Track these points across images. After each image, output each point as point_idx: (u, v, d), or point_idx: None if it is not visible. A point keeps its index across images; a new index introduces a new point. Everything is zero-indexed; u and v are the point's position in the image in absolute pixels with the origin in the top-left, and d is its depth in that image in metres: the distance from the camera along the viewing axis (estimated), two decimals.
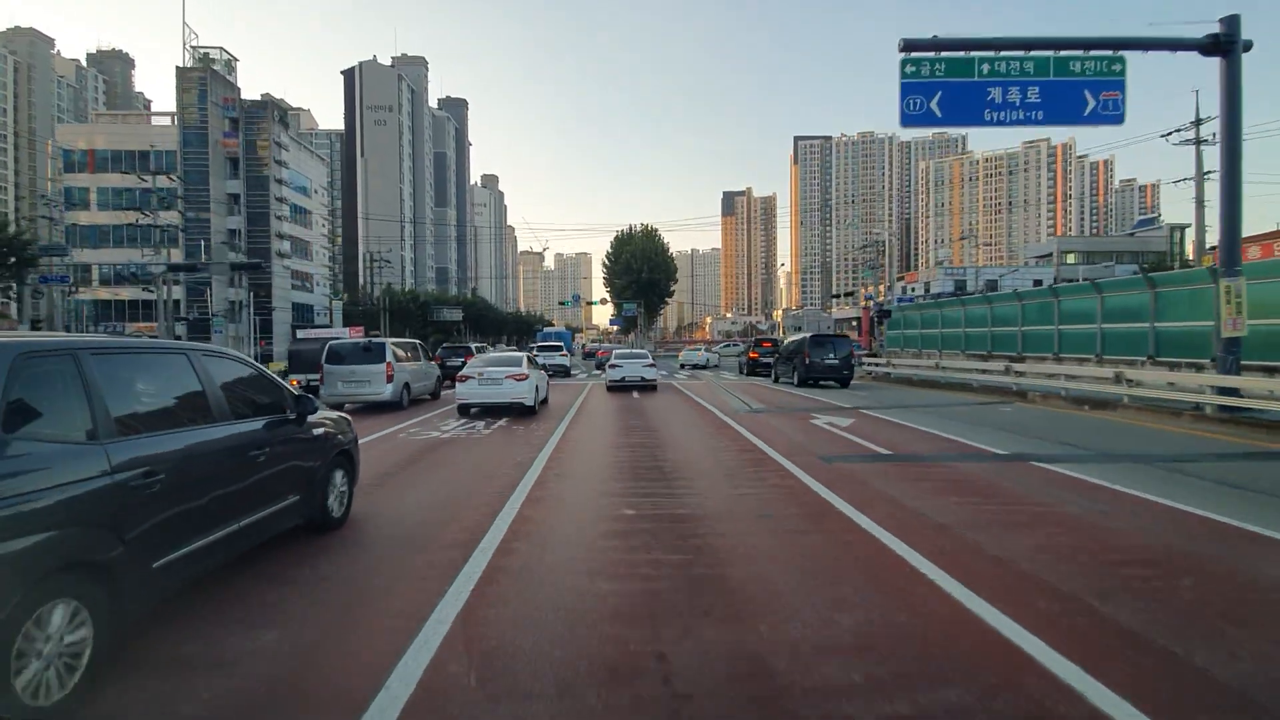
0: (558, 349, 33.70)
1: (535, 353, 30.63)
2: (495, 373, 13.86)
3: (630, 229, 69.00)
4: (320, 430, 5.15)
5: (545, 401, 16.77)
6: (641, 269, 63.42)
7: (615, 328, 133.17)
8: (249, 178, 65.04)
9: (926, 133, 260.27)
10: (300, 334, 63.94)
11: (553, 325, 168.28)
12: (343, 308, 70.24)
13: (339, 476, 5.38)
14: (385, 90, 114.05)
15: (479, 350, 30.75)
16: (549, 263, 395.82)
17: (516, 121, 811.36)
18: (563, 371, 31.22)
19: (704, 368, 38.60)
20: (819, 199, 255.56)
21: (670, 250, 66.22)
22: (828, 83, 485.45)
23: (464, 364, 16.76)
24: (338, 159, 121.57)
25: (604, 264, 75.85)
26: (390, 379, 15.31)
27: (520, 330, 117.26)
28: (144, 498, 3.12)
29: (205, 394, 3.86)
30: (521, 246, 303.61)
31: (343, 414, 6.01)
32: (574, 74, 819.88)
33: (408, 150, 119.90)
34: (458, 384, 13.94)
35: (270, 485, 4.31)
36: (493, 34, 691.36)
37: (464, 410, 13.94)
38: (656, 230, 67.58)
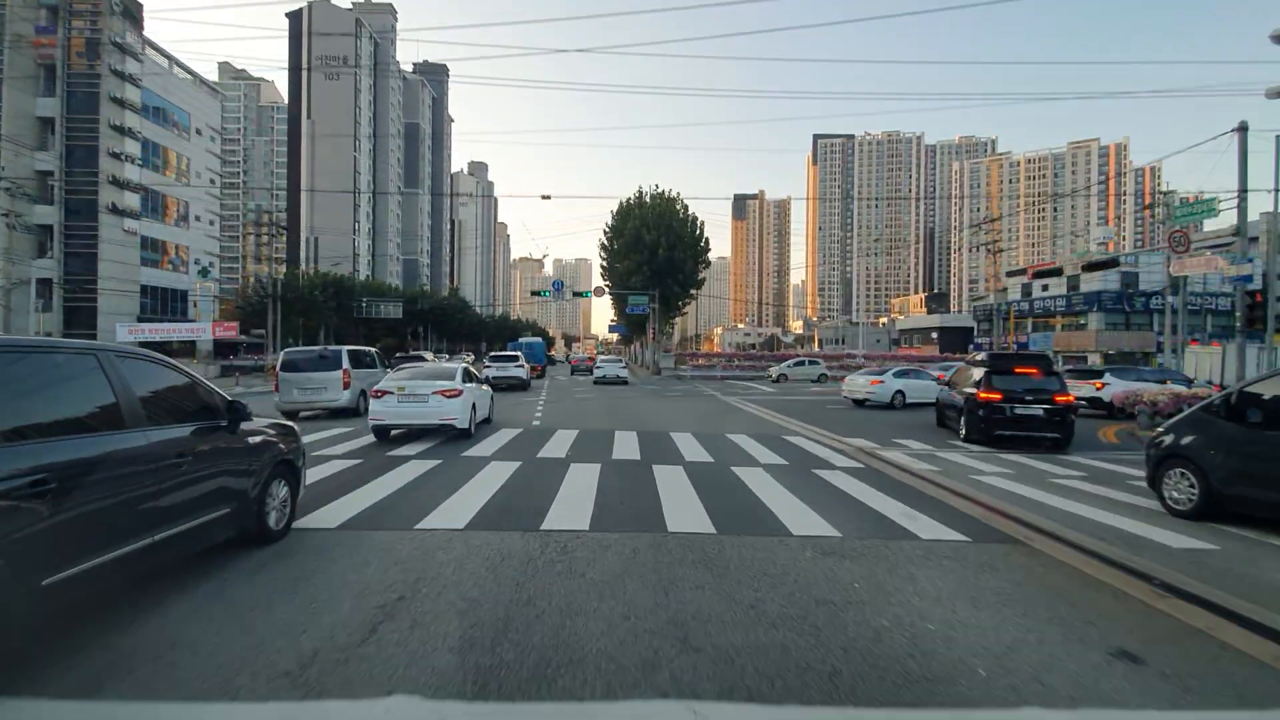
0: (513, 359, 28.39)
1: (488, 363, 28.08)
2: (420, 387, 11.46)
3: (639, 193, 47.37)
4: (257, 439, 4.93)
5: (489, 421, 14.07)
6: (657, 243, 41.79)
7: (616, 336, 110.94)
8: (73, 95, 43.54)
9: (953, 136, 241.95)
10: (125, 330, 42.09)
11: (544, 332, 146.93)
12: (215, 294, 48.80)
13: (279, 488, 5.17)
14: (340, 38, 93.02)
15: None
16: (548, 269, 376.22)
17: (510, 120, 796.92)
18: (519, 385, 26.39)
19: (898, 406, 19.16)
20: (840, 203, 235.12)
21: (699, 219, 44.68)
22: (846, 83, 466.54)
23: None
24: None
25: (601, 244, 54.69)
26: (347, 386, 15.10)
27: (505, 336, 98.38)
28: (30, 509, 2.92)
29: (116, 398, 3.63)
30: (519, 251, 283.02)
31: (287, 422, 5.74)
32: (572, 71, 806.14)
33: (367, 114, 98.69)
34: (372, 400, 11.51)
35: (194, 496, 4.08)
36: (483, 22, 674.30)
37: (381, 433, 11.55)
38: (678, 195, 46.07)
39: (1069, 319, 48.03)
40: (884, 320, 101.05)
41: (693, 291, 45.44)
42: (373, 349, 19.16)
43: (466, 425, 11.82)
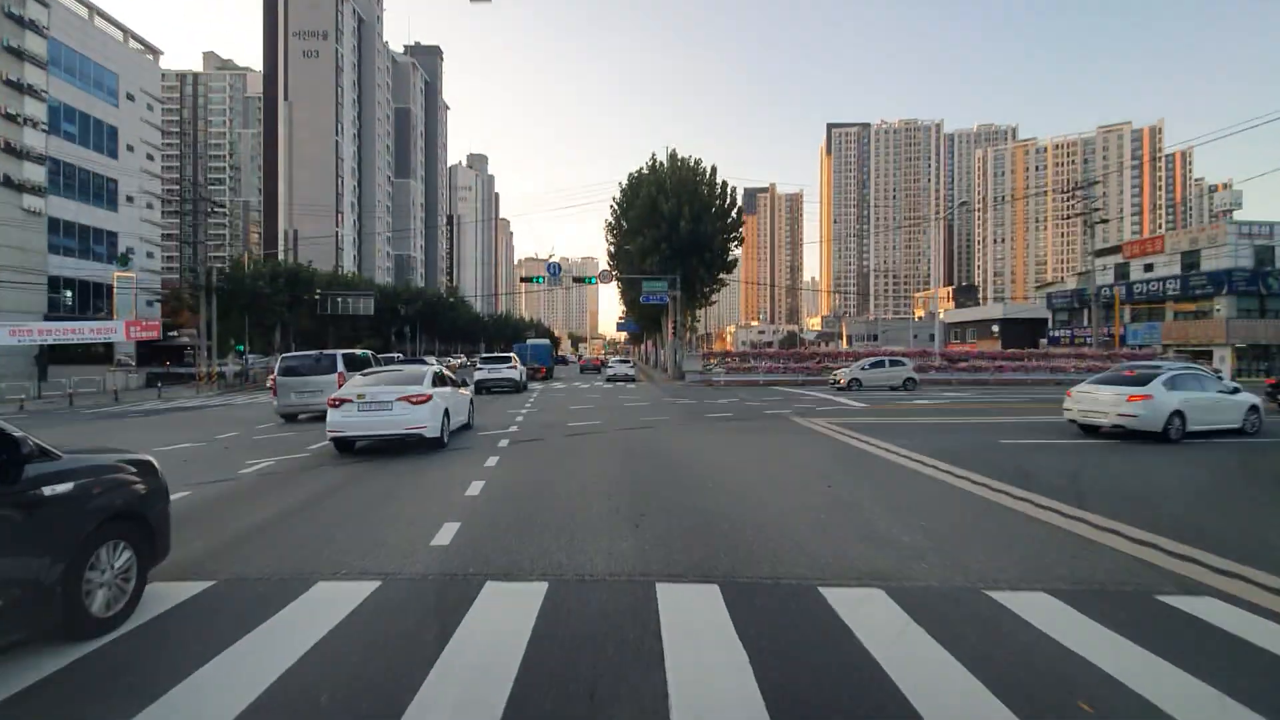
0: (505, 360, 26.79)
1: (479, 365, 26.84)
2: (383, 394, 10.23)
3: (653, 161, 38.59)
4: (63, 487, 3.40)
5: (469, 426, 13.12)
6: (678, 213, 33.04)
7: (624, 336, 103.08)
8: None
9: (971, 124, 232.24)
10: (5, 332, 33.79)
11: (549, 332, 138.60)
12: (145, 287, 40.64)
13: (115, 554, 3.68)
14: (319, 11, 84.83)
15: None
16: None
17: (510, 116, 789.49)
18: (512, 388, 25.58)
19: (1173, 437, 10.56)
20: (856, 194, 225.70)
21: (730, 186, 35.71)
22: (860, 68, 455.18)
23: None
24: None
25: (608, 224, 46.49)
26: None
27: (506, 337, 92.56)
28: None
29: None
30: (524, 251, 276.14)
31: (140, 456, 4.15)
32: (575, 65, 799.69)
33: (350, 96, 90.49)
34: (329, 410, 10.25)
35: None
36: (484, 14, 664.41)
37: (343, 446, 10.36)
38: (699, 160, 37.24)
39: (1185, 305, 38.97)
40: (920, 313, 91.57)
41: (722, 275, 36.64)
42: (368, 352, 19.23)
43: (437, 434, 10.53)
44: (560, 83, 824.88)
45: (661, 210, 33.24)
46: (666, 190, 33.88)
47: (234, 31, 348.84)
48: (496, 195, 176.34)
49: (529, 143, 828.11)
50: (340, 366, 15.87)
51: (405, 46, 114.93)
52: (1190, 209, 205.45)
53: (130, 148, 45.35)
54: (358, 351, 18.35)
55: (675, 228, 33.03)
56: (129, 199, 45.15)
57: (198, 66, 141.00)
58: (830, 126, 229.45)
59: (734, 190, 35.00)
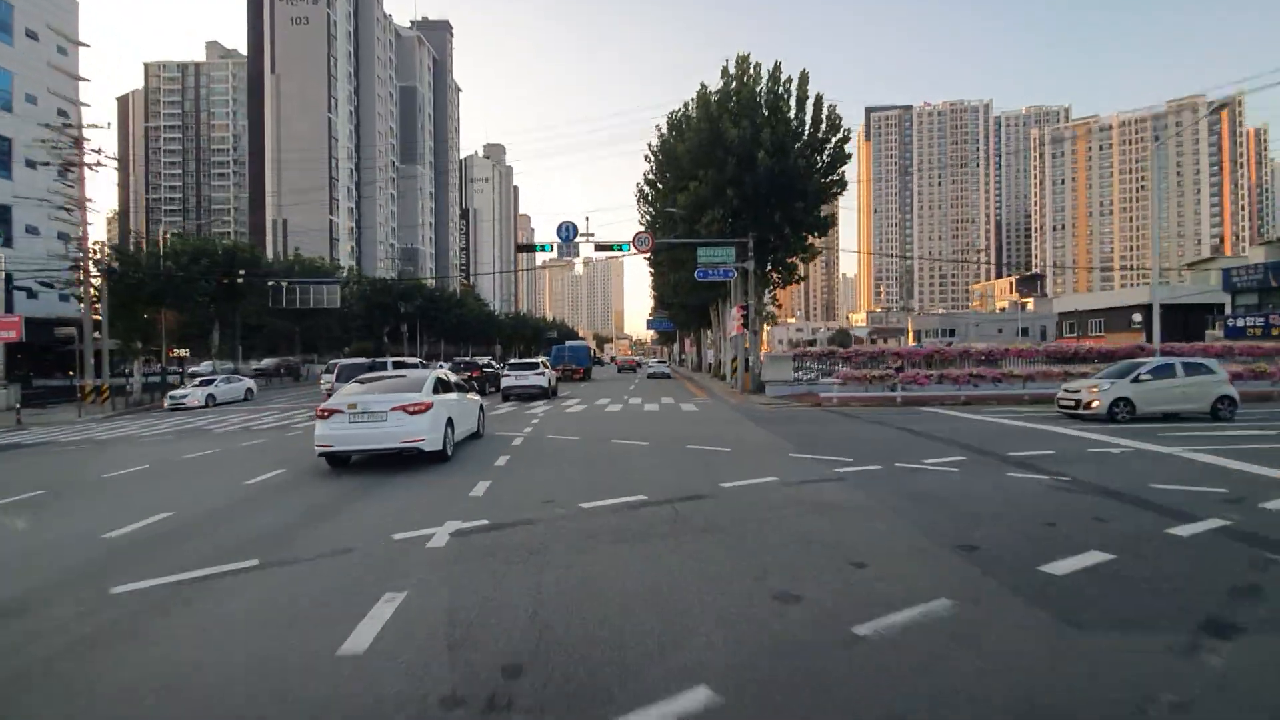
0: (532, 367, 24.19)
1: (505, 371, 25.25)
2: (376, 403, 9.12)
3: (703, 89, 26.67)
4: None
5: (479, 435, 12.23)
6: (754, 141, 21.64)
7: (653, 335, 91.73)
8: None
9: (1019, 107, 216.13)
10: None
11: (574, 333, 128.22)
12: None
13: None
14: None
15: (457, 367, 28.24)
16: (577, 268, 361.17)
17: (529, 103, 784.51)
18: (541, 394, 23.48)
19: None
20: (898, 182, 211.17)
21: (827, 103, 24.16)
22: (900, 52, 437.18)
23: None
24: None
25: (639, 188, 36.20)
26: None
27: (525, 338, 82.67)
28: None
29: None
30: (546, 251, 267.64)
31: None
32: (593, 54, 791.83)
33: (346, 69, 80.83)
34: (318, 422, 9.27)
35: None
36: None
37: (336, 461, 9.41)
38: (778, 65, 24.73)
39: None
40: (1003, 305, 79.20)
41: (812, 239, 25.23)
42: (418, 360, 20.23)
43: (439, 447, 9.37)
44: (579, 73, 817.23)
45: (728, 138, 21.78)
46: (736, 112, 22.44)
47: (228, 15, 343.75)
48: (516, 189, 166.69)
49: (548, 136, 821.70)
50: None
51: (411, 21, 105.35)
52: (1269, 191, 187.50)
53: (32, 99, 35.64)
54: (407, 359, 20.00)
55: (749, 165, 21.54)
56: (30, 164, 35.38)
57: (201, 55, 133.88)
58: (869, 110, 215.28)
59: (833, 108, 23.36)
